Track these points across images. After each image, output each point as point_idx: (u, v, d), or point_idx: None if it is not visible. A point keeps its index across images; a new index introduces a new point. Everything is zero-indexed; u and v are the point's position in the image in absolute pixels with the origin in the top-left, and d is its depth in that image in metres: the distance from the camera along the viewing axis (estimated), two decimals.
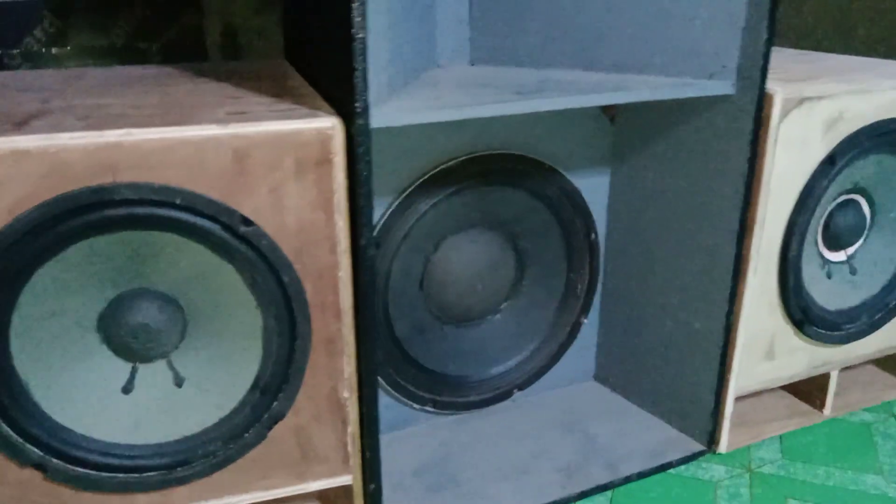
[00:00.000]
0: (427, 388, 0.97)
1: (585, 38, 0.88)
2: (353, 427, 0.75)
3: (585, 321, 1.04)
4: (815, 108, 0.83)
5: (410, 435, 0.97)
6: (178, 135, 0.61)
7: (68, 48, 1.26)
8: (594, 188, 0.99)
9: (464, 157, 0.89)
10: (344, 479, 0.77)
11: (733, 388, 0.93)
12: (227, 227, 0.64)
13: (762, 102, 0.81)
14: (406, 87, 0.79)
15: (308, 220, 0.67)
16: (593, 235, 1.00)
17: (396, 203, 0.87)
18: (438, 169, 0.88)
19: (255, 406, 0.71)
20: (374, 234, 0.87)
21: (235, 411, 0.71)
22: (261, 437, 0.72)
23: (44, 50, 1.24)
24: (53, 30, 1.24)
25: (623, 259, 1.00)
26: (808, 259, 0.93)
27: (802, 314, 0.92)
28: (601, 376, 1.09)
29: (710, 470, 0.94)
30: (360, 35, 0.61)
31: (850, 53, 1.59)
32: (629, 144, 0.96)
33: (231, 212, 0.64)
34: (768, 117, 0.82)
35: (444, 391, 0.98)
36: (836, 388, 1.08)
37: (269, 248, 0.66)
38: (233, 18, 1.31)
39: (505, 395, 1.02)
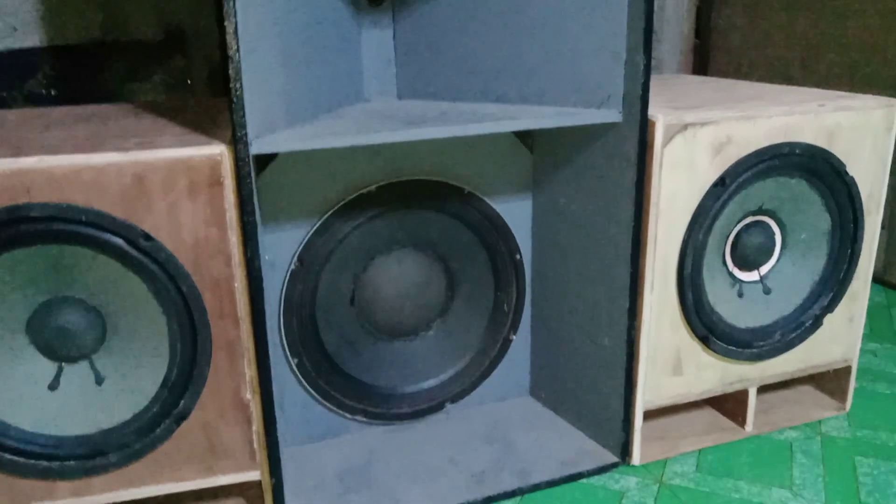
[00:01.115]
0: (358, 399, 1.04)
1: (492, 74, 0.95)
2: (257, 425, 0.83)
3: (514, 338, 1.10)
4: (700, 133, 0.88)
5: (342, 442, 1.04)
6: (83, 161, 0.71)
7: (66, 90, 1.40)
8: (517, 212, 1.05)
9: (383, 183, 0.97)
10: (252, 475, 0.84)
11: (641, 402, 0.97)
12: (129, 242, 0.73)
13: (645, 129, 0.87)
14: (315, 118, 0.87)
15: (203, 235, 0.75)
16: (518, 256, 1.06)
17: (318, 224, 0.95)
18: (357, 194, 0.96)
19: (163, 403, 0.79)
20: (297, 252, 0.96)
21: (147, 408, 0.79)
22: (169, 432, 0.80)
23: (44, 91, 1.38)
24: (53, 73, 1.38)
25: (545, 279, 1.06)
26: (713, 277, 0.97)
27: (707, 330, 0.96)
28: (535, 391, 1.14)
29: (622, 481, 0.97)
30: (236, 80, 0.70)
31: (817, 84, 1.62)
32: (545, 171, 1.02)
33: (132, 228, 0.73)
34: (652, 142, 0.87)
35: (375, 402, 1.05)
36: (765, 405, 1.11)
37: (168, 261, 0.75)
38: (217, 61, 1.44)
39: (437, 408, 1.08)
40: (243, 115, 0.71)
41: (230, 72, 0.69)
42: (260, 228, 0.92)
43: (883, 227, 1.55)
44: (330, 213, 0.95)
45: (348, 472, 0.98)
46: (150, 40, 1.42)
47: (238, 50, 0.69)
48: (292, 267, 0.95)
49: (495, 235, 1.05)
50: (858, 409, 1.12)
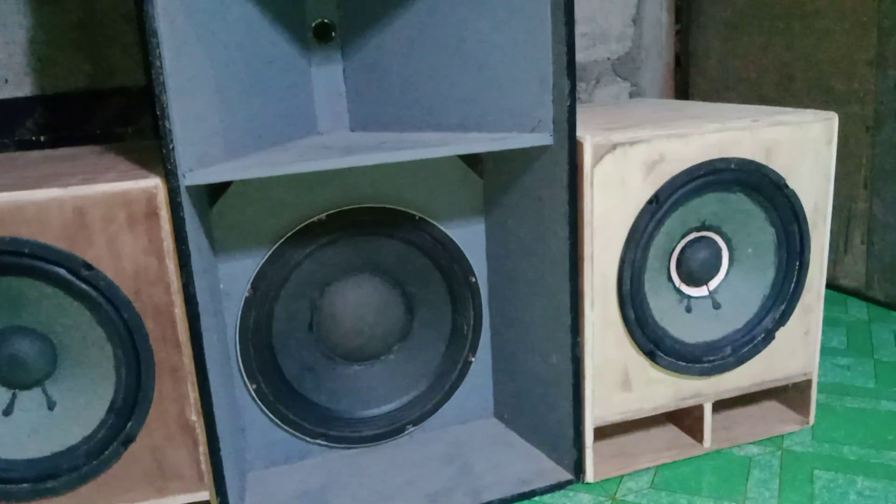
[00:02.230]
0: (318, 424, 1.06)
1: (433, 104, 0.99)
2: (205, 447, 0.86)
3: (473, 360, 1.12)
4: (630, 152, 0.91)
5: (303, 466, 1.06)
6: (26, 197, 0.76)
7: (55, 135, 1.47)
8: (470, 236, 1.08)
9: (333, 211, 1.01)
10: (201, 496, 0.87)
11: (590, 419, 0.98)
12: (71, 271, 0.78)
13: (574, 150, 0.89)
14: (259, 151, 0.92)
15: (142, 264, 0.79)
16: (472, 279, 1.09)
17: (271, 252, 0.99)
18: (308, 222, 1.00)
19: (111, 427, 0.83)
20: (251, 280, 0.99)
21: (95, 431, 0.83)
22: (118, 455, 0.83)
23: (33, 138, 1.45)
24: (43, 120, 1.46)
25: (500, 300, 1.08)
26: (658, 293, 0.99)
27: (654, 345, 0.98)
28: (498, 413, 1.15)
29: (575, 498, 0.98)
30: (164, 118, 0.74)
31: (793, 103, 1.64)
32: (494, 196, 1.05)
33: (73, 258, 0.77)
34: (582, 163, 0.90)
35: (336, 427, 1.07)
36: (728, 421, 1.11)
37: (109, 289, 0.79)
38: None
39: (398, 431, 1.10)
40: (172, 150, 0.75)
41: (157, 111, 0.74)
42: (214, 258, 0.96)
43: (862, 243, 1.54)
44: (282, 241, 0.99)
45: (305, 495, 1.00)
46: (135, 86, 1.49)
47: (165, 90, 0.74)
48: (246, 294, 0.99)
49: (449, 259, 1.07)
50: (823, 424, 1.12)
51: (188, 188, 0.80)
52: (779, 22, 1.65)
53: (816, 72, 1.58)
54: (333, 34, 1.03)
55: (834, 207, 1.56)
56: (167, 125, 0.75)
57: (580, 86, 1.90)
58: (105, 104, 1.48)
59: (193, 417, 0.84)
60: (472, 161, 1.07)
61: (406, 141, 0.94)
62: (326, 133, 1.06)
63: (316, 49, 1.03)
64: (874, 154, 1.49)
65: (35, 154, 1.07)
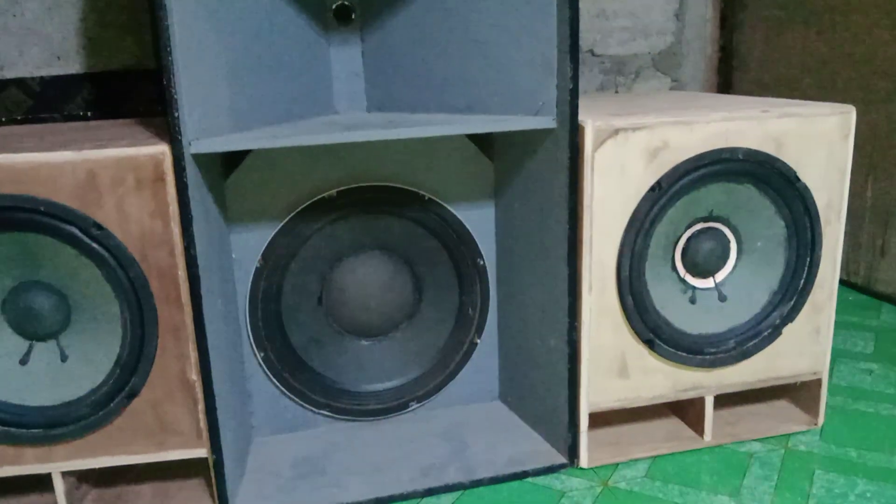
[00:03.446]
0: (323, 395, 1.09)
1: (442, 86, 1.00)
2: (203, 405, 0.89)
3: (479, 341, 1.13)
4: (632, 138, 0.91)
5: (307, 435, 1.09)
6: (41, 159, 0.80)
7: (102, 112, 1.54)
8: (479, 218, 1.09)
9: (343, 188, 1.03)
10: (199, 452, 0.91)
11: (585, 404, 0.99)
12: (82, 230, 0.82)
13: (575, 133, 0.90)
14: (269, 125, 0.95)
15: (148, 227, 0.83)
16: (480, 261, 1.10)
17: (282, 226, 1.02)
18: (319, 198, 1.03)
19: (116, 381, 0.87)
20: (262, 252, 1.03)
21: (102, 384, 0.88)
22: (121, 408, 0.88)
23: (81, 113, 1.53)
24: (90, 97, 1.53)
25: (507, 284, 1.09)
26: (660, 282, 0.98)
27: (653, 334, 0.97)
28: (503, 396, 1.16)
29: (567, 482, 0.99)
30: (171, 88, 0.78)
31: (833, 100, 1.59)
32: (503, 179, 1.06)
33: (85, 218, 0.82)
34: (583, 147, 0.90)
35: (341, 398, 1.10)
36: (734, 417, 1.10)
37: (117, 249, 0.83)
38: None
39: (402, 407, 1.12)
40: (178, 119, 0.79)
41: (164, 81, 0.77)
42: (225, 227, 1.00)
43: None
44: (293, 215, 1.02)
45: (304, 461, 1.03)
46: None
47: (172, 61, 0.77)
48: (257, 265, 1.02)
49: (457, 241, 1.09)
50: (833, 426, 1.09)
51: (195, 156, 0.83)
52: (820, 18, 1.61)
53: (857, 70, 1.54)
54: (353, 16, 1.06)
55: (871, 210, 1.52)
56: (174, 95, 0.79)
57: (619, 80, 1.89)
58: (147, 83, 1.54)
59: (193, 376, 0.88)
60: (484, 144, 1.08)
61: (412, 120, 0.95)
62: (342, 112, 1.09)
63: (335, 31, 1.06)
64: None
65: (66, 126, 1.13)
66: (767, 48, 1.77)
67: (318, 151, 1.02)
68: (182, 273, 0.85)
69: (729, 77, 1.92)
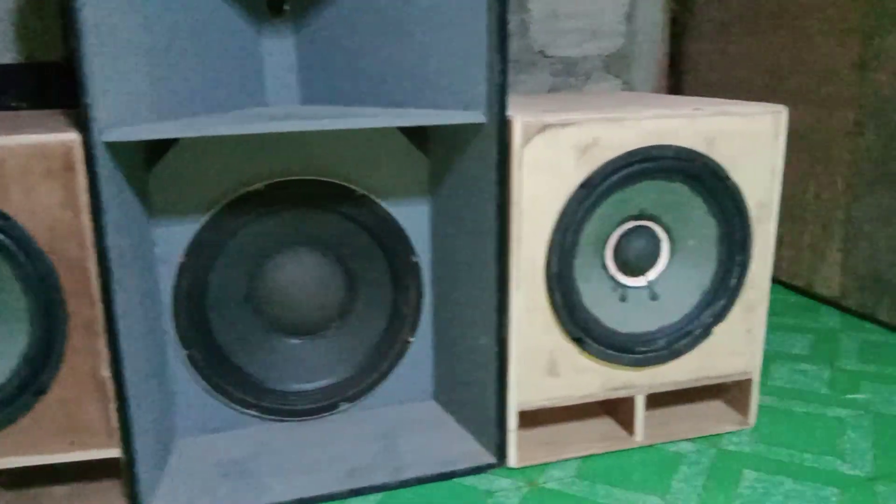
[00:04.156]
0: (251, 394, 1.06)
1: (376, 80, 0.99)
2: (116, 403, 0.86)
3: (412, 340, 1.11)
4: (562, 134, 0.90)
5: (235, 435, 1.06)
6: None
7: (36, 104, 1.49)
8: (414, 214, 1.08)
9: (272, 182, 1.01)
10: (112, 452, 0.88)
11: (514, 403, 0.97)
12: None
13: (504, 129, 0.89)
14: (194, 116, 0.92)
15: (58, 217, 0.80)
16: (414, 259, 1.09)
17: (207, 219, 0.99)
18: (245, 191, 1.00)
19: (23, 377, 0.84)
20: (186, 246, 1.00)
21: (8, 381, 0.84)
22: (29, 406, 0.84)
23: (14, 104, 1.48)
24: (24, 89, 1.48)
25: (442, 282, 1.08)
26: (590, 280, 0.97)
27: (583, 332, 0.96)
28: (437, 395, 1.15)
29: (495, 482, 0.97)
30: (82, 75, 0.75)
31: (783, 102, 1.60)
32: (438, 175, 1.05)
33: None
34: (511, 143, 0.89)
35: (270, 398, 1.07)
36: (667, 417, 1.09)
37: (24, 240, 0.80)
38: None
39: (332, 407, 1.10)
40: (89, 105, 0.76)
41: (75, 66, 0.75)
42: (146, 220, 0.97)
43: (839, 251, 1.51)
44: (219, 208, 1.00)
45: (229, 462, 1.00)
46: None
47: (83, 46, 0.75)
48: (181, 260, 0.99)
49: (391, 238, 1.07)
50: (765, 426, 1.10)
51: (109, 145, 0.80)
52: (768, 24, 1.62)
53: (803, 75, 1.55)
54: (286, 7, 1.04)
55: (813, 214, 1.53)
56: (84, 80, 0.76)
57: (570, 81, 1.89)
58: None
59: (105, 373, 0.85)
60: (418, 139, 1.06)
61: (341, 113, 0.93)
62: (274, 104, 1.06)
63: (268, 22, 1.03)
64: (855, 160, 1.46)
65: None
66: (716, 52, 1.79)
67: (246, 144, 1.00)
68: (93, 266, 0.82)
69: (679, 80, 1.93)
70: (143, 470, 0.88)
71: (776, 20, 1.60)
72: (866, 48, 1.40)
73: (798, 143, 1.57)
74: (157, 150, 0.97)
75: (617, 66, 1.91)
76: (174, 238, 0.99)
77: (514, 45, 1.81)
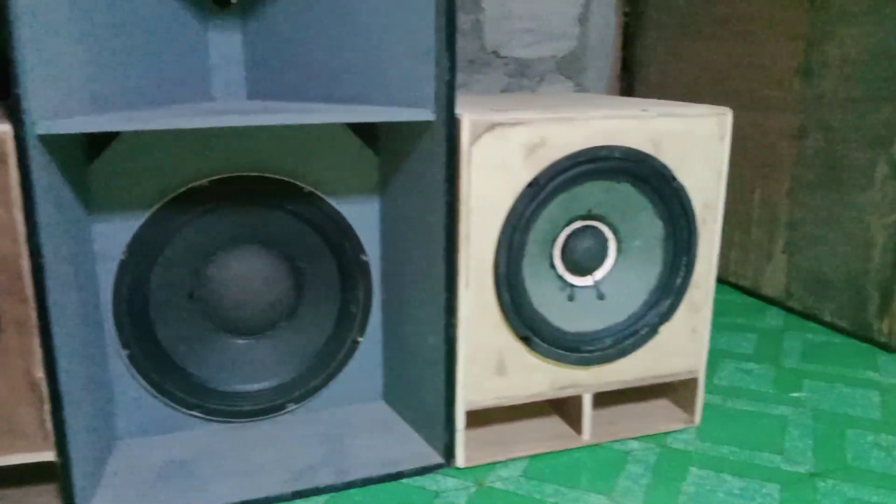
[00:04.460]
0: (195, 395, 1.04)
1: (325, 76, 0.97)
2: (50, 405, 0.83)
3: (361, 340, 1.10)
4: (510, 133, 0.90)
5: (177, 437, 1.04)
6: None
7: None
8: (363, 213, 1.07)
9: (216, 178, 0.99)
10: (46, 455, 0.85)
11: (462, 402, 0.97)
12: None
13: (452, 127, 0.88)
14: (135, 109, 0.90)
15: None
16: (364, 257, 1.07)
17: (149, 216, 0.97)
18: (188, 187, 0.98)
19: None
20: (127, 243, 0.97)
21: None
22: None
23: None
24: None
25: (390, 281, 1.07)
26: (538, 279, 0.97)
27: (530, 331, 0.96)
28: (386, 396, 1.14)
29: (442, 482, 0.97)
30: (14, 67, 0.73)
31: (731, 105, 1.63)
32: (388, 173, 1.04)
33: None
34: (460, 141, 0.89)
35: (214, 399, 1.05)
36: (614, 416, 1.10)
37: None
38: None
39: (279, 408, 1.08)
40: (20, 97, 0.74)
41: (7, 55, 0.72)
42: (85, 216, 0.94)
43: (784, 252, 1.54)
44: (161, 204, 0.97)
45: (171, 465, 0.98)
46: None
47: (15, 36, 0.72)
48: (121, 257, 0.97)
49: (340, 236, 1.06)
50: (711, 424, 1.11)
51: (43, 137, 0.78)
52: (717, 29, 1.65)
53: (749, 79, 1.58)
54: (233, 1, 1.02)
55: (759, 216, 1.56)
56: (17, 70, 0.73)
57: (523, 83, 1.89)
58: None
59: (40, 374, 0.82)
60: (368, 136, 1.05)
61: (288, 109, 0.92)
62: (220, 99, 1.04)
63: (215, 14, 1.01)
64: (798, 163, 1.49)
65: None
66: (667, 55, 1.81)
67: (190, 139, 0.97)
68: (26, 263, 0.79)
69: (632, 83, 1.95)
70: (79, 474, 0.86)
71: (724, 25, 1.63)
72: (810, 54, 1.43)
73: (745, 146, 1.60)
74: (97, 144, 0.95)
75: (570, 69, 1.93)
76: (115, 235, 0.97)
77: (467, 46, 1.81)
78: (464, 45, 1.80)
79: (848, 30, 1.34)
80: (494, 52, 1.84)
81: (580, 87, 1.94)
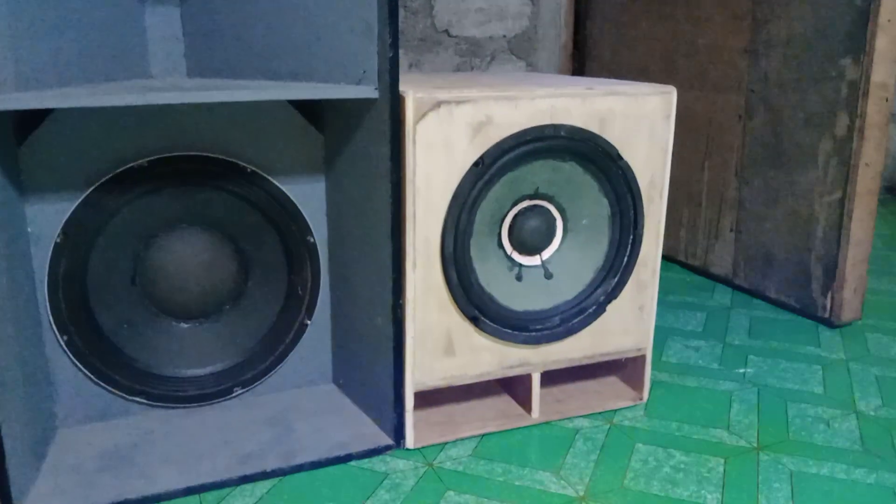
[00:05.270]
0: (137, 380, 1.02)
1: (267, 53, 0.95)
2: None
3: (309, 323, 1.09)
4: (455, 111, 0.89)
5: (120, 424, 1.02)
6: None
7: None
8: (309, 193, 1.05)
9: (154, 158, 0.96)
10: None
11: (411, 383, 0.96)
12: None
13: (396, 104, 0.87)
14: (66, 86, 0.86)
15: None
16: (310, 239, 1.06)
17: (84, 197, 0.94)
18: (127, 167, 0.95)
19: None
20: (62, 225, 0.94)
21: None
22: None
23: None
24: None
25: (338, 262, 1.05)
26: (486, 259, 0.97)
27: (478, 311, 0.96)
28: (335, 378, 1.12)
29: (392, 463, 0.96)
30: None
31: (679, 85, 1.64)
32: (333, 152, 1.02)
33: None
34: (404, 119, 0.87)
35: (157, 384, 1.03)
36: (564, 394, 1.11)
37: None
38: None
39: (225, 392, 1.06)
40: None
41: None
42: (17, 197, 0.91)
43: (731, 231, 1.57)
44: (97, 185, 0.94)
45: (113, 452, 0.96)
46: None
47: None
48: (57, 240, 0.94)
49: (285, 217, 1.04)
50: (659, 401, 1.12)
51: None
52: (664, 8, 1.66)
53: (697, 59, 1.60)
54: None
55: (708, 195, 1.58)
56: None
57: (475, 62, 1.88)
58: None
59: None
60: (312, 115, 1.03)
61: (227, 86, 0.90)
62: (158, 76, 1.01)
63: None
64: (744, 143, 1.51)
65: None
66: (618, 36, 1.81)
67: (127, 117, 0.94)
68: None
69: (583, 63, 1.96)
70: (14, 465, 0.83)
71: (673, 5, 1.64)
72: (756, 34, 1.45)
73: (693, 125, 1.62)
74: (27, 123, 0.91)
75: (521, 48, 1.92)
76: (49, 217, 0.93)
77: (418, 24, 1.79)
78: (414, 24, 1.78)
79: (792, 10, 1.36)
80: (445, 31, 1.83)
81: (532, 67, 1.94)
